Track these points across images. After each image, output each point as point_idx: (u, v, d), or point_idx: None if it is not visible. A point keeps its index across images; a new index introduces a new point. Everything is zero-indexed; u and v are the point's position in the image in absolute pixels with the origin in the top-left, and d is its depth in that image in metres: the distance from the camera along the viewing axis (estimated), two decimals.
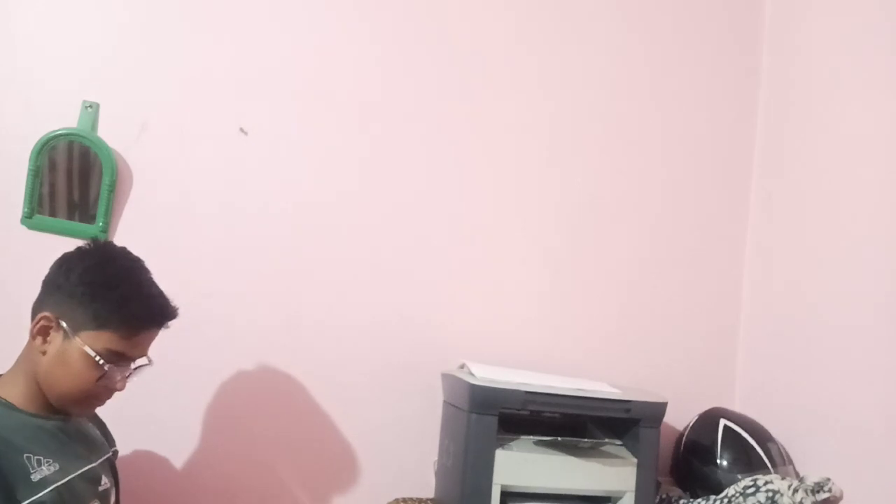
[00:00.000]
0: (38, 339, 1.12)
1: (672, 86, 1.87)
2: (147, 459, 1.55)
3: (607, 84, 1.83)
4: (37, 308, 1.14)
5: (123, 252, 1.20)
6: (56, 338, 1.11)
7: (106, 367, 1.11)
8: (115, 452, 1.29)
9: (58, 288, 1.13)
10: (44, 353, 1.12)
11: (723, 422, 1.61)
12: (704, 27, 1.90)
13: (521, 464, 1.39)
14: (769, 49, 1.89)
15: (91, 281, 1.12)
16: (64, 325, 1.11)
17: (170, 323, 1.20)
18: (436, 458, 1.61)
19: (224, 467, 1.59)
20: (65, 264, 1.15)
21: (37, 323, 1.12)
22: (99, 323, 1.11)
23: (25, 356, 1.15)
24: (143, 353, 1.19)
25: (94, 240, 1.22)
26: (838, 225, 1.58)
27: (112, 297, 1.12)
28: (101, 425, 1.30)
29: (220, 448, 1.59)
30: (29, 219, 1.51)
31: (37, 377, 1.12)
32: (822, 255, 1.61)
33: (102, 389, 1.15)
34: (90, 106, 1.54)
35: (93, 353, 1.10)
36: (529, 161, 1.78)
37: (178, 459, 1.57)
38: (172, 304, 1.19)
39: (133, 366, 1.18)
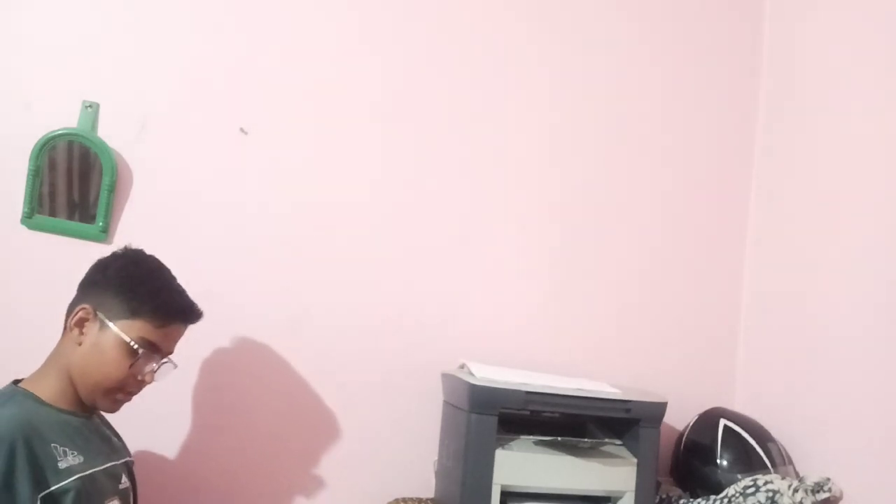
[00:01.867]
0: (76, 331, 1.19)
1: (672, 86, 1.87)
2: (149, 457, 1.54)
3: (608, 85, 1.83)
4: (74, 305, 1.21)
5: (153, 257, 1.30)
6: (92, 328, 1.19)
7: (140, 353, 1.18)
8: (132, 461, 1.33)
9: (94, 284, 1.22)
10: (80, 343, 1.19)
11: (723, 422, 1.61)
12: (704, 27, 1.90)
13: (521, 464, 1.39)
14: (769, 49, 1.89)
15: (127, 274, 1.22)
16: (100, 315, 1.18)
17: (196, 321, 1.27)
18: (436, 458, 1.61)
19: (224, 466, 1.59)
20: (101, 264, 1.25)
21: (75, 315, 1.19)
22: (133, 312, 1.19)
23: (58, 352, 1.21)
24: (171, 350, 1.27)
25: (128, 246, 1.31)
26: (838, 225, 1.58)
27: (145, 288, 1.22)
28: (118, 435, 1.34)
29: (220, 447, 1.59)
30: (29, 219, 1.51)
31: (70, 371, 1.18)
32: (822, 255, 1.61)
33: (132, 381, 1.21)
34: (90, 106, 1.54)
35: (128, 339, 1.17)
36: (530, 161, 1.78)
37: (179, 458, 1.57)
38: (198, 305, 1.28)
39: (162, 361, 1.24)
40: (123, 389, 1.21)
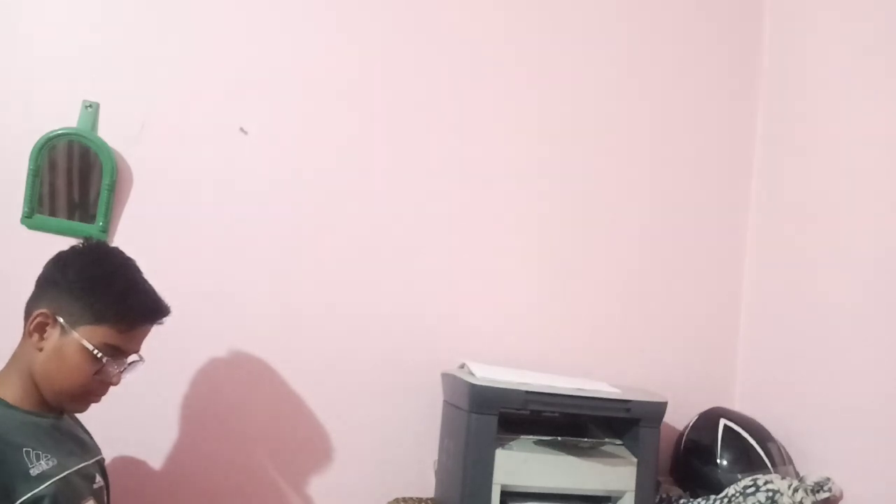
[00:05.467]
0: (35, 336, 1.13)
1: (673, 85, 1.87)
2: (145, 458, 1.55)
3: (608, 84, 1.83)
4: (31, 306, 1.16)
5: (117, 251, 1.24)
6: (53, 334, 1.13)
7: (104, 361, 1.13)
8: (103, 459, 1.30)
9: (54, 285, 1.15)
10: (40, 349, 1.13)
11: (723, 422, 1.61)
12: (704, 27, 1.90)
13: (521, 464, 1.39)
14: (769, 49, 1.89)
15: (88, 276, 1.15)
16: (61, 320, 1.13)
17: (163, 320, 1.22)
18: (436, 458, 1.61)
19: (222, 467, 1.59)
20: (60, 262, 1.18)
21: (33, 320, 1.13)
22: (96, 317, 1.13)
23: (19, 354, 1.16)
24: (137, 349, 1.21)
25: (88, 239, 1.25)
26: (838, 224, 1.58)
27: (109, 291, 1.15)
28: (88, 433, 1.31)
29: (217, 448, 1.59)
30: (29, 218, 1.51)
31: (33, 374, 1.14)
32: (821, 254, 1.61)
33: (98, 384, 1.17)
34: (90, 106, 1.54)
35: (91, 347, 1.12)
36: (530, 160, 1.78)
37: (177, 460, 1.57)
38: (165, 301, 1.22)
39: (128, 361, 1.20)
40: (90, 393, 1.17)
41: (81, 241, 1.24)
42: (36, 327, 1.13)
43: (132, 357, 1.21)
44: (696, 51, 1.89)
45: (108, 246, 1.25)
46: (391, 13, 1.72)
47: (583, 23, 1.83)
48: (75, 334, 1.12)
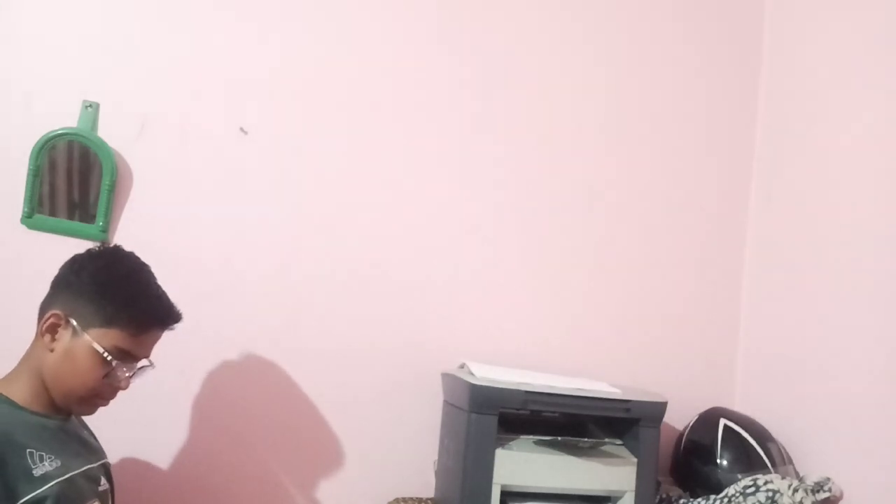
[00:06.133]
0: (47, 337, 1.14)
1: (672, 85, 1.87)
2: (147, 459, 1.55)
3: (608, 83, 1.83)
4: (45, 307, 1.17)
5: (132, 255, 1.24)
6: (64, 335, 1.14)
7: (113, 364, 1.14)
8: (109, 462, 1.30)
9: (68, 286, 1.16)
10: (51, 350, 1.14)
11: (723, 422, 1.61)
12: (705, 26, 1.90)
13: (521, 464, 1.39)
14: (769, 49, 1.89)
15: (102, 280, 1.16)
16: (73, 322, 1.13)
17: (175, 326, 1.23)
18: (436, 458, 1.61)
19: (224, 468, 1.59)
20: (76, 264, 1.19)
21: (46, 320, 1.14)
22: (108, 320, 1.14)
23: (30, 355, 1.17)
24: (147, 354, 1.22)
25: (104, 242, 1.27)
26: (838, 224, 1.58)
27: (122, 295, 1.16)
28: (94, 436, 1.31)
29: (220, 449, 1.59)
30: (29, 218, 1.51)
31: (42, 375, 1.14)
32: (821, 254, 1.62)
33: (107, 387, 1.17)
34: (90, 106, 1.54)
35: (101, 350, 1.13)
36: (529, 160, 1.78)
37: (177, 461, 1.57)
38: (177, 307, 1.23)
39: (137, 365, 1.20)
40: (98, 396, 1.17)
41: (98, 244, 1.25)
42: (48, 328, 1.14)
43: (142, 362, 1.21)
44: (695, 52, 1.89)
45: (123, 250, 1.25)
46: (392, 14, 1.73)
47: (580, 24, 1.83)
48: (86, 336, 1.13)
